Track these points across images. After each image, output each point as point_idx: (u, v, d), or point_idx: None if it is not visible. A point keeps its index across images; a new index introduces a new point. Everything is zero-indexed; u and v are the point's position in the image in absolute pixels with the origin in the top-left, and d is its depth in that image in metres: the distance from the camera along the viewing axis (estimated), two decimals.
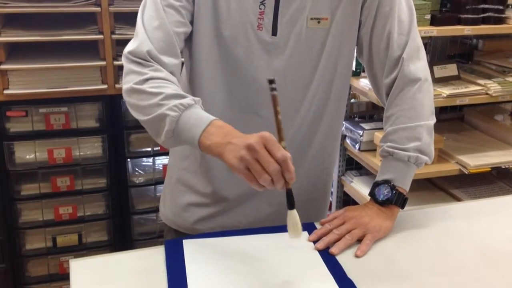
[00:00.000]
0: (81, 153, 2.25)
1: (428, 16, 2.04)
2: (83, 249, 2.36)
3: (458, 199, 2.24)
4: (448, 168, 2.20)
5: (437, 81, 2.22)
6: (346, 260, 1.08)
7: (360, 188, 2.37)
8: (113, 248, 2.41)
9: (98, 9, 2.09)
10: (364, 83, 2.33)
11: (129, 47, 1.14)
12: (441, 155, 2.26)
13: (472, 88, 2.18)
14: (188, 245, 1.11)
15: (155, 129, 1.09)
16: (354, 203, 2.38)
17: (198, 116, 1.04)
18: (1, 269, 2.29)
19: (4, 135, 2.14)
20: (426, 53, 1.28)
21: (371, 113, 2.61)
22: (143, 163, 2.45)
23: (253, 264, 1.06)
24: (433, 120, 1.24)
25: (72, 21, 2.18)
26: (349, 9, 1.20)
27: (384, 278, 1.05)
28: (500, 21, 2.16)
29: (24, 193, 2.24)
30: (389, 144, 1.21)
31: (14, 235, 2.26)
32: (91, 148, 2.27)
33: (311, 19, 1.18)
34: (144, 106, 1.09)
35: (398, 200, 1.18)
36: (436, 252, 1.14)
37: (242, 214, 1.29)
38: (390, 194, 1.18)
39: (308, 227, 1.19)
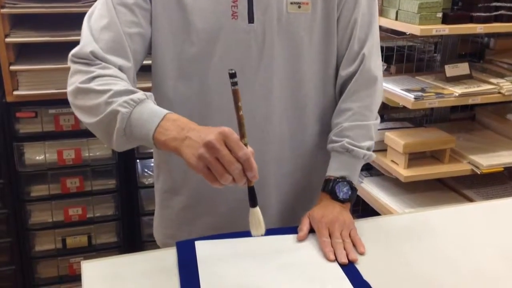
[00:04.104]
0: (90, 154, 2.25)
1: (440, 14, 2.01)
2: (93, 251, 2.36)
3: (470, 200, 2.22)
4: (460, 168, 2.17)
5: (449, 80, 2.19)
6: (361, 262, 1.07)
7: (371, 189, 2.35)
8: (122, 250, 2.41)
9: None
10: None
11: (73, 50, 1.06)
12: (453, 155, 2.23)
13: (484, 87, 2.15)
14: (201, 246, 1.10)
15: (106, 131, 0.99)
16: (364, 203, 2.36)
17: (151, 110, 0.96)
18: (11, 271, 2.30)
19: (13, 136, 2.14)
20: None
21: (381, 113, 2.59)
22: (153, 164, 2.44)
23: (266, 265, 1.05)
24: (378, 119, 1.28)
25: (81, 21, 2.17)
26: None
27: (400, 280, 1.04)
28: None
29: (33, 194, 2.25)
30: (347, 140, 1.19)
31: (23, 236, 2.26)
32: (100, 149, 2.27)
33: (291, 3, 1.12)
34: (91, 106, 0.99)
35: (353, 198, 1.19)
36: (453, 254, 1.13)
37: (241, 224, 1.16)
38: (349, 193, 1.17)
39: None
